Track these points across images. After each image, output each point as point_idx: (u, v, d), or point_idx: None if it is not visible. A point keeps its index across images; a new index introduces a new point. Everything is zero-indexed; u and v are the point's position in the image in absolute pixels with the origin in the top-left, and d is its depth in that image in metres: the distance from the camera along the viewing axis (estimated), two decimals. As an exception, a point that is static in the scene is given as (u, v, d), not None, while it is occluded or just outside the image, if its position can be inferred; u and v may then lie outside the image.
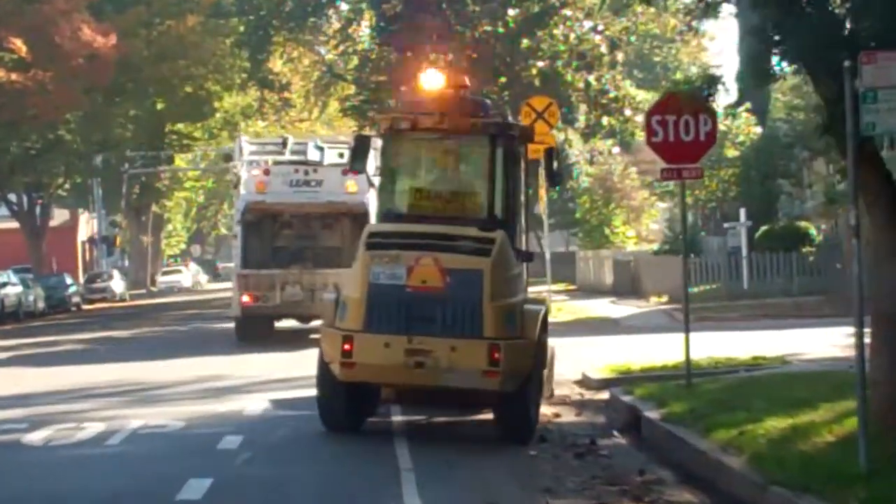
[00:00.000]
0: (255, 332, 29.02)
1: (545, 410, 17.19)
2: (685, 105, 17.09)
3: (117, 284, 72.94)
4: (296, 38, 67.80)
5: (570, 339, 27.66)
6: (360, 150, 16.18)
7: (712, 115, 17.66)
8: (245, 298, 28.28)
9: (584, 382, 20.30)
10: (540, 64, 40.58)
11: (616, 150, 55.30)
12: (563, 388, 19.68)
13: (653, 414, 15.75)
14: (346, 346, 14.08)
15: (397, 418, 16.46)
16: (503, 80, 41.63)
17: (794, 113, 55.50)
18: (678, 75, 74.35)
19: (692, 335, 28.25)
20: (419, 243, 14.45)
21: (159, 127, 67.91)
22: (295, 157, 29.90)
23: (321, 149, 30.15)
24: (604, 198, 56.38)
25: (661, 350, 24.24)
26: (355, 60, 62.64)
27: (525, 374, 14.49)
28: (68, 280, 62.59)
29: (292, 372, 21.90)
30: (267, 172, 28.91)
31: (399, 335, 14.05)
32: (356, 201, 28.55)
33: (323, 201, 28.75)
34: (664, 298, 39.64)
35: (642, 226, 57.84)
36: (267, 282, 28.17)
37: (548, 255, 37.36)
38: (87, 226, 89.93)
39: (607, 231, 55.05)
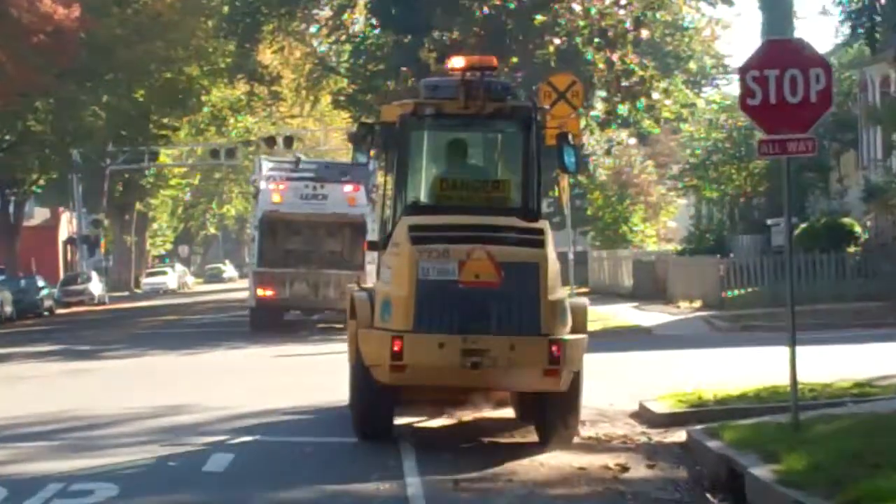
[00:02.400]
0: (266, 321, 33.10)
1: (606, 460, 12.99)
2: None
3: (96, 287, 68.85)
4: (286, 29, 64.26)
5: (606, 355, 23.43)
6: (362, 138, 14.99)
7: (826, 68, 13.35)
8: (260, 292, 32.81)
9: (644, 416, 15.95)
10: (556, 41, 36.19)
11: (631, 141, 50.90)
12: (618, 425, 15.41)
13: (762, 471, 11.45)
14: (396, 348, 13.15)
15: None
16: (515, 60, 37.25)
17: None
18: (692, 64, 70.20)
19: (748, 350, 24.34)
20: (467, 236, 13.53)
21: (142, 121, 63.60)
22: (306, 175, 34.15)
23: (328, 167, 35.26)
24: (618, 193, 52.07)
25: (723, 369, 20.22)
26: (348, 48, 58.67)
27: (578, 371, 13.89)
28: (40, 282, 58.23)
29: (271, 401, 17.71)
30: (282, 186, 33.34)
31: (453, 334, 13.18)
32: (356, 213, 33.04)
33: (328, 212, 32.95)
34: (697, 304, 35.35)
35: (659, 223, 53.50)
36: (279, 278, 32.57)
37: (571, 255, 33.22)
38: (70, 225, 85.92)
39: (625, 229, 50.70)
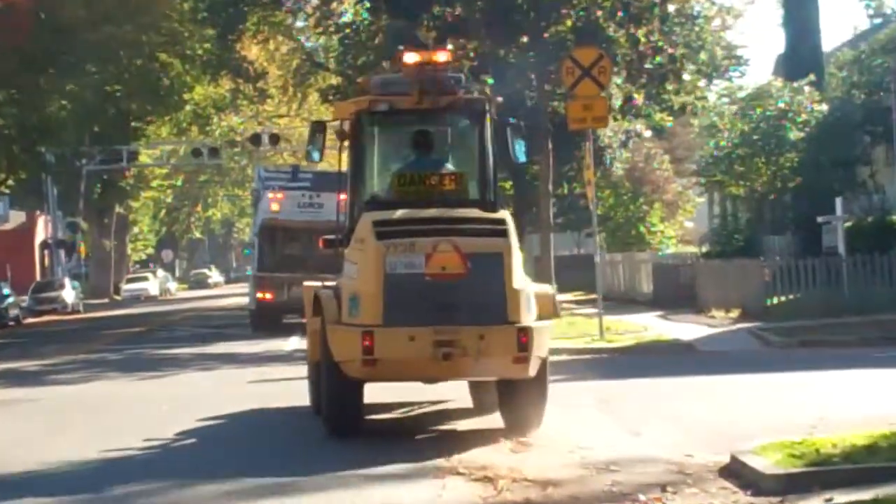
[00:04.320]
0: (266, 322, 34.58)
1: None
2: None
3: (69, 294, 64.75)
4: (271, 22, 60.49)
5: (653, 381, 19.32)
6: (316, 136, 15.24)
7: None
8: (259, 295, 34.71)
9: (743, 476, 11.63)
10: (574, 16, 31.87)
11: (647, 134, 46.61)
12: (711, 490, 11.21)
13: None
14: (367, 343, 13.27)
15: None
16: (524, 40, 33.03)
17: (855, 91, 47.13)
18: (702, 55, 66.14)
19: (823, 374, 20.00)
20: (431, 229, 13.70)
21: (117, 117, 59.53)
22: (302, 184, 35.16)
23: (324, 177, 34.68)
24: (631, 191, 47.87)
25: (808, 401, 16.17)
26: (335, 41, 54.76)
27: (546, 358, 14.13)
28: (6, 290, 54.03)
29: (225, 453, 13.61)
30: (280, 195, 34.77)
31: (424, 327, 13.30)
32: None
33: (323, 220, 32.65)
34: (734, 313, 31.14)
35: (676, 224, 49.24)
36: (277, 282, 34.25)
37: (598, 258, 29.14)
38: (47, 229, 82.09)
39: (642, 230, 46.44)
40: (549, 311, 14.25)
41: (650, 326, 29.68)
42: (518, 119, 15.75)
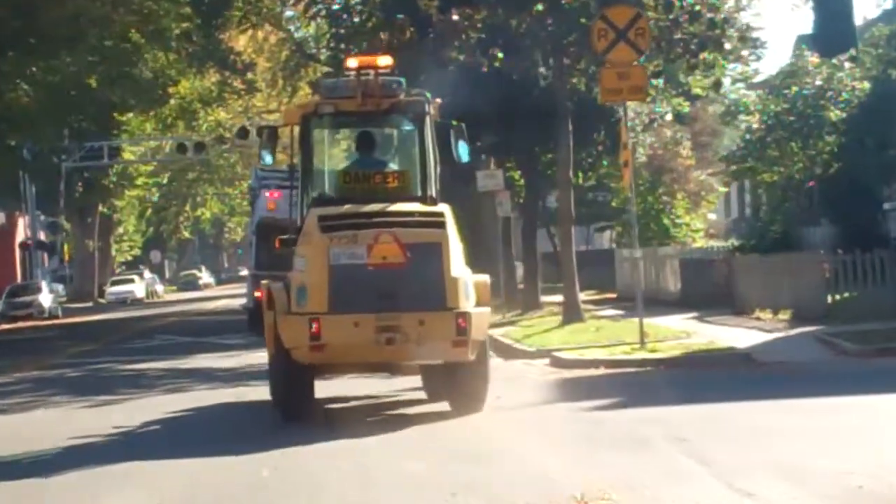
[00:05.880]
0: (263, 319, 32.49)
1: None
2: None
3: (46, 298, 61.16)
4: (257, 10, 57.25)
5: (732, 407, 15.47)
6: (269, 141, 16.47)
7: None
8: (256, 293, 34.38)
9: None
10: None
11: (668, 117, 42.70)
12: None
13: None
14: (314, 329, 14.22)
15: None
16: (540, 8, 29.13)
17: (891, 70, 43.26)
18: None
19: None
20: (373, 221, 14.63)
21: (94, 107, 55.96)
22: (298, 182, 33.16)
23: None
24: (650, 181, 44.00)
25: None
26: (325, 29, 51.44)
27: (484, 342, 14.95)
28: (-28, 295, 50.48)
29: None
30: (277, 195, 34.75)
31: (367, 313, 14.25)
32: None
33: None
34: (785, 314, 27.29)
35: (700, 216, 45.34)
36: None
37: (638, 253, 25.42)
38: (28, 229, 78.68)
39: (667, 223, 42.53)
40: (485, 298, 14.99)
41: (692, 331, 25.82)
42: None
